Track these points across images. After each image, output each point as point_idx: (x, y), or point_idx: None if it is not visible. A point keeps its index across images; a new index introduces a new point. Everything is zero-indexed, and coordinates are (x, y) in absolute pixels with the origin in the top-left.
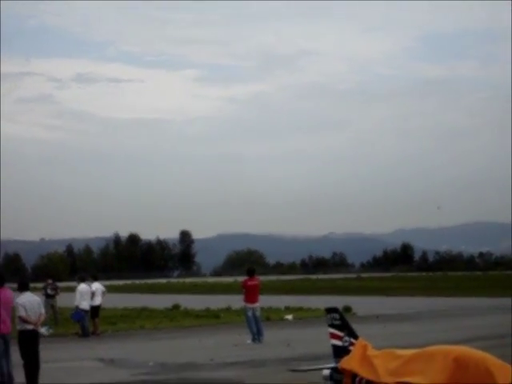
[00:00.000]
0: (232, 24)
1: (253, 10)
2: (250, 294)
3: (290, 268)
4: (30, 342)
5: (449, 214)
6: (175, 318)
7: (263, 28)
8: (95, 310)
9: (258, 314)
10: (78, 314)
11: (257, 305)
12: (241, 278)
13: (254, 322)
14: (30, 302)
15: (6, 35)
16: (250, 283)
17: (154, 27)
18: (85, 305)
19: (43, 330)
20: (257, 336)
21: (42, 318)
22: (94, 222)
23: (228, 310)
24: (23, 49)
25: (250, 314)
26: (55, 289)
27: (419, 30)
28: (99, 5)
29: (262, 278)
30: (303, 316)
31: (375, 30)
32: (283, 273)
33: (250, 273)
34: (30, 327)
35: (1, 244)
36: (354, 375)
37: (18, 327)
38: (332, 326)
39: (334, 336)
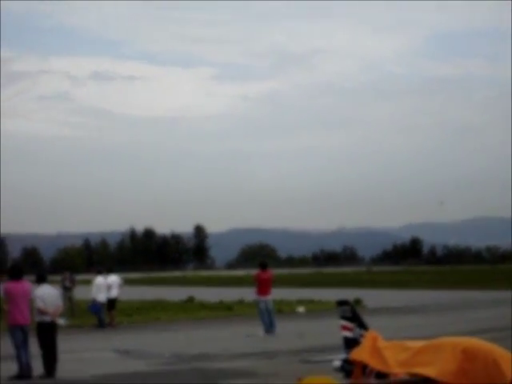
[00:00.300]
0: (246, 23)
1: (266, 9)
2: (263, 286)
3: (302, 261)
4: (48, 334)
5: (457, 209)
6: (190, 310)
7: (276, 27)
8: (111, 303)
9: (270, 306)
10: (94, 306)
11: (269, 297)
12: (253, 271)
13: (267, 314)
14: (48, 294)
15: (24, 34)
16: (262, 276)
17: (170, 26)
18: (101, 297)
19: (61, 321)
20: (269, 328)
21: (60, 309)
22: (110, 217)
23: (241, 302)
24: (41, 47)
25: (262, 306)
26: (72, 281)
27: (429, 29)
28: (116, 4)
29: (273, 272)
30: (315, 308)
31: (386, 29)
32: (295, 266)
33: (263, 266)
34: (48, 319)
35: (19, 238)
36: (364, 366)
37: (37, 319)
38: (343, 318)
39: (344, 328)
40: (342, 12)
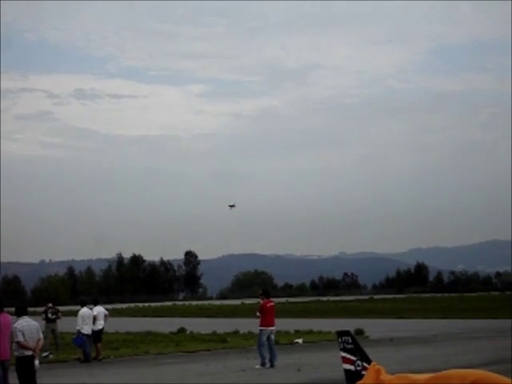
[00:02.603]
0: (238, 37)
1: (260, 23)
2: (268, 316)
3: (300, 290)
4: (27, 369)
5: (465, 233)
6: (181, 342)
7: (271, 41)
8: (97, 335)
9: (272, 336)
10: (79, 338)
11: (274, 328)
12: (248, 301)
13: (268, 345)
14: (27, 326)
15: (3, 50)
16: (268, 305)
17: (158, 41)
18: (86, 329)
19: (37, 363)
20: (271, 359)
21: (41, 343)
22: (95, 243)
23: (235, 333)
24: (21, 64)
25: (264, 338)
26: (56, 313)
27: (431, 42)
28: (100, 19)
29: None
30: (314, 339)
31: (385, 42)
32: (292, 295)
33: (267, 294)
34: (28, 353)
35: (0, 267)
36: None
37: (16, 353)
38: (344, 349)
39: (346, 360)
40: (339, 26)
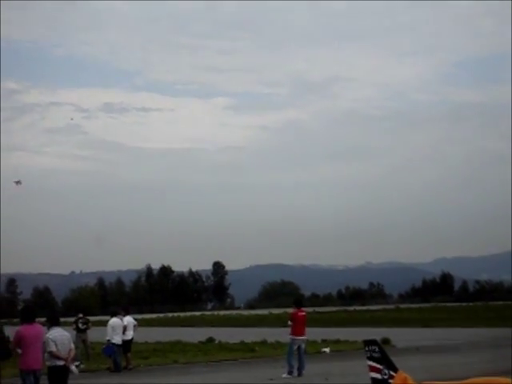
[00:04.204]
0: (263, 50)
1: (284, 36)
2: (299, 325)
3: (326, 299)
4: (60, 378)
5: (489, 243)
6: (209, 351)
7: (295, 54)
8: (127, 345)
9: (303, 346)
10: (109, 348)
11: (305, 337)
12: (275, 311)
13: (298, 354)
14: (60, 336)
15: (32, 65)
16: (300, 314)
17: (184, 55)
18: (117, 339)
19: (74, 368)
20: (299, 368)
21: (72, 353)
22: (124, 255)
23: (263, 343)
24: (50, 78)
25: (295, 347)
26: (86, 323)
27: (455, 55)
28: (127, 33)
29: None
30: (341, 348)
31: (410, 54)
32: (319, 304)
33: (299, 304)
34: (60, 363)
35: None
36: None
37: (48, 363)
38: (371, 358)
39: (372, 369)
40: (363, 38)
